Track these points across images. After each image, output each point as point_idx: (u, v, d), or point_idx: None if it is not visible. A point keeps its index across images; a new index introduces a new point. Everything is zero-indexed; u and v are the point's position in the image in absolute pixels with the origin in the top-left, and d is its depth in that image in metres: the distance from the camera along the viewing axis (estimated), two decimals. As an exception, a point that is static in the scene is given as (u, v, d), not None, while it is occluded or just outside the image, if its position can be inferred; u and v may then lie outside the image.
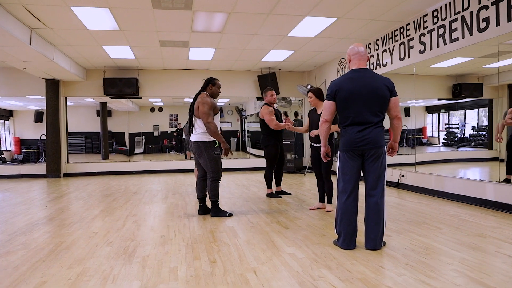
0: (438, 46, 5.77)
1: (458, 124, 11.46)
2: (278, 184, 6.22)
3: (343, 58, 8.93)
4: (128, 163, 10.54)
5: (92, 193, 6.70)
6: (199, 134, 4.45)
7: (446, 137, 11.78)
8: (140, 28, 6.58)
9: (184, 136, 15.00)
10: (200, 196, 4.66)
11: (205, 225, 4.13)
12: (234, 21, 6.29)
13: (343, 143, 3.24)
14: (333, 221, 4.18)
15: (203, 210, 4.65)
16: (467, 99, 9.63)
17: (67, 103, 10.09)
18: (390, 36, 6.98)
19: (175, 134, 17.85)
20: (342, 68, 9.01)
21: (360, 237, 3.30)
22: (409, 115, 11.95)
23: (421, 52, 6.16)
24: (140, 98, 10.58)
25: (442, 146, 11.43)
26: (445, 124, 12.19)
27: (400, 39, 6.69)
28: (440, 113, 12.25)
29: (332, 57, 9.26)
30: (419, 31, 6.18)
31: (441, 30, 5.68)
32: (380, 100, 3.16)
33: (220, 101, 16.09)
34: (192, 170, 10.46)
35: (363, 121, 3.16)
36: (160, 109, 18.65)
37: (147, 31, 6.79)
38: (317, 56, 9.11)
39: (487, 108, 10.75)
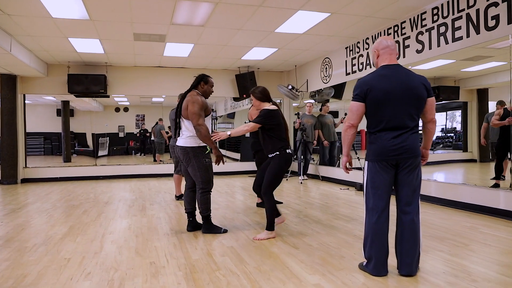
0: (438, 45, 5.45)
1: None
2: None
3: (327, 58, 8.54)
4: (95, 167, 9.66)
5: (56, 203, 5.89)
6: (187, 138, 3.84)
7: None
8: (114, 18, 5.86)
9: (152, 138, 14.22)
10: (189, 209, 4.04)
11: (199, 245, 3.53)
12: (220, 12, 5.71)
13: (374, 152, 2.75)
14: (345, 237, 3.70)
15: (192, 226, 4.04)
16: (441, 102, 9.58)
17: (25, 101, 9.10)
18: (383, 35, 6.62)
19: (137, 135, 16.83)
20: (326, 68, 8.62)
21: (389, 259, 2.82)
22: None
23: (418, 51, 5.83)
24: (108, 96, 9.75)
25: None
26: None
27: (394, 38, 6.34)
28: None
29: (315, 56, 8.85)
30: (416, 29, 5.85)
31: (443, 29, 5.36)
32: (417, 101, 2.71)
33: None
34: (166, 175, 9.73)
35: (399, 126, 2.69)
36: (126, 109, 17.64)
37: (121, 22, 6.07)
38: (299, 55, 8.67)
39: (459, 111, 10.83)
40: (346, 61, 7.80)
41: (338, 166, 8.56)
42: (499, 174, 5.94)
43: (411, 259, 2.71)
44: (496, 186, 5.58)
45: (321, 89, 9.18)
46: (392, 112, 2.68)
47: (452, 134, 10.53)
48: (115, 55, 8.37)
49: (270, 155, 3.79)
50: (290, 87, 9.48)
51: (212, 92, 4.08)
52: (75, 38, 6.90)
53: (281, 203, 5.66)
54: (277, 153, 3.69)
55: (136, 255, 3.23)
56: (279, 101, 11.21)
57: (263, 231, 3.79)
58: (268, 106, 3.81)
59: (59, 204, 5.80)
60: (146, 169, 9.97)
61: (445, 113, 10.97)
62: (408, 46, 6.05)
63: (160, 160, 12.52)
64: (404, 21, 6.09)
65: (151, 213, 5.04)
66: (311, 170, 9.18)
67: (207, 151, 3.85)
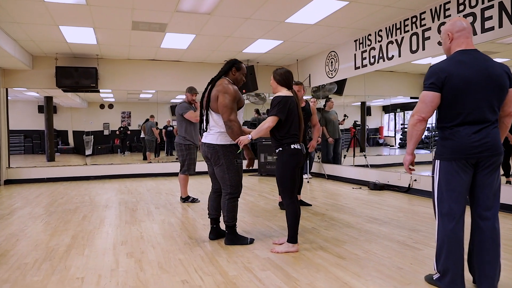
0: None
1: None
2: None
3: (333, 51, 8.16)
4: (85, 167, 9.04)
5: (49, 208, 5.33)
6: (216, 134, 3.35)
7: (402, 137, 11.58)
8: (113, 3, 5.33)
9: (142, 135, 13.60)
10: (213, 215, 3.58)
11: (231, 258, 3.08)
12: (231, -1, 5.25)
13: (450, 149, 2.36)
14: (388, 243, 3.31)
15: (215, 234, 3.58)
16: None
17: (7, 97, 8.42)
18: (398, 27, 6.28)
19: (117, 132, 16.03)
20: (331, 62, 8.25)
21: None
22: (370, 114, 11.64)
23: (441, 43, 5.48)
24: (99, 91, 9.14)
25: (398, 148, 11.23)
26: (401, 124, 12.00)
27: (412, 29, 6.00)
28: (396, 113, 12.06)
29: (320, 50, 8.47)
30: (438, 20, 5.52)
31: (469, 19, 5.03)
32: (500, 92, 2.33)
33: (179, 98, 14.79)
34: (161, 175, 9.20)
35: (480, 119, 2.30)
36: (111, 106, 16.92)
37: (120, 8, 5.54)
38: (304, 49, 8.27)
39: None
40: (355, 54, 7.44)
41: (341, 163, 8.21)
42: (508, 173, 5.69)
43: (493, 271, 2.33)
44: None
45: (323, 84, 8.82)
46: (473, 104, 2.30)
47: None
48: (108, 47, 7.79)
49: (276, 152, 3.32)
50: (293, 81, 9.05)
51: (244, 81, 3.61)
52: (67, 26, 6.31)
53: (310, 205, 5.24)
54: (280, 149, 3.21)
55: (161, 272, 2.76)
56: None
57: (283, 242, 3.33)
58: (284, 92, 3.23)
59: (53, 209, 5.23)
60: (139, 168, 9.41)
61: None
62: (428, 38, 5.71)
63: (150, 161, 11.89)
64: (424, 12, 5.75)
65: (160, 218, 4.55)
66: (314, 168, 8.81)
67: (239, 151, 3.39)
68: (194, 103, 5.66)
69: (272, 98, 3.39)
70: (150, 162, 11.38)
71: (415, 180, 6.08)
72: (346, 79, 8.16)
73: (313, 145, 5.14)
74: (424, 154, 9.10)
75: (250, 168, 3.44)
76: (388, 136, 12.21)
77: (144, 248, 3.35)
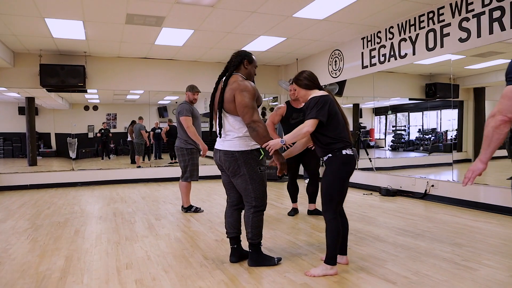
0: (491, 33, 4.77)
1: (405, 126, 11.15)
2: (310, 200, 4.90)
3: (337, 50, 7.77)
4: (72, 172, 8.41)
5: (35, 220, 4.74)
6: (234, 140, 2.87)
7: (394, 139, 11.32)
8: (108, -9, 4.80)
9: (129, 139, 12.96)
10: (233, 234, 3.07)
11: (261, 283, 2.60)
12: (240, -12, 4.78)
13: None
14: (436, 261, 2.89)
15: (238, 256, 3.08)
16: (411, 101, 9.15)
17: (-13, 96, 7.75)
18: (412, 23, 5.92)
19: (98, 135, 15.12)
20: (335, 61, 7.85)
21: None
22: (361, 116, 11.35)
23: (462, 40, 5.14)
24: (86, 91, 8.53)
25: (389, 150, 10.98)
26: (393, 127, 11.76)
27: (429, 26, 5.64)
28: (388, 115, 11.81)
29: (323, 48, 8.06)
30: (460, 15, 5.16)
31: (497, 13, 4.68)
32: None
33: (167, 99, 14.27)
34: (154, 180, 8.64)
35: None
36: (95, 107, 16.19)
37: (115, -2, 5.01)
38: (306, 47, 7.86)
39: (436, 111, 10.52)
40: (362, 53, 7.05)
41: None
42: None
43: None
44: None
45: (325, 85, 8.41)
46: None
47: (431, 136, 10.18)
48: (98, 43, 7.21)
49: (323, 160, 2.86)
50: (291, 81, 8.63)
51: (255, 75, 3.12)
52: (53, 18, 5.73)
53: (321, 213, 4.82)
54: (330, 155, 2.73)
55: (182, 306, 2.26)
56: (273, 98, 10.35)
57: (319, 264, 2.89)
58: (318, 93, 2.83)
59: (40, 222, 4.65)
60: (129, 173, 8.82)
61: (421, 113, 10.61)
62: (447, 34, 5.35)
63: (139, 166, 11.24)
64: (442, 7, 5.39)
65: (164, 233, 4.03)
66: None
67: (262, 156, 2.92)
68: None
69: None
70: (140, 166, 10.77)
71: (433, 185, 5.70)
72: (345, 80, 7.80)
73: None
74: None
75: (285, 174, 2.97)
76: (379, 139, 11.97)
77: (155, 273, 2.84)
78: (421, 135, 10.57)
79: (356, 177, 7.34)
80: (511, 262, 2.93)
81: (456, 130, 9.84)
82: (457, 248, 3.30)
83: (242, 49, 7.73)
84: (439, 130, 10.52)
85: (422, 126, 10.74)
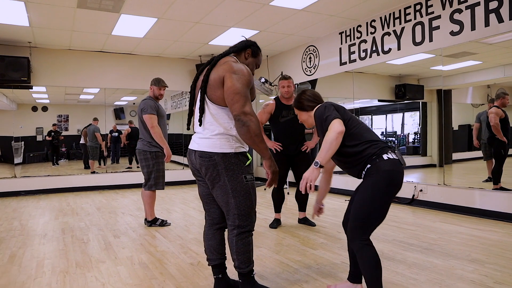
0: (487, 25, 4.41)
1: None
2: (300, 208, 4.33)
3: (312, 46, 7.28)
4: (14, 180, 7.36)
5: (-40, 241, 3.83)
6: (214, 137, 2.19)
7: None
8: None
9: (82, 141, 11.89)
10: (215, 261, 2.40)
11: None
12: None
13: None
14: (458, 284, 2.38)
15: (224, 287, 2.41)
16: (379, 103, 8.96)
17: None
18: (397, 16, 5.51)
19: (47, 138, 13.71)
20: (310, 58, 7.36)
21: None
22: None
23: (454, 33, 4.77)
24: (32, 87, 7.51)
25: None
26: None
27: (416, 19, 5.25)
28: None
29: (296, 44, 7.56)
30: (451, 7, 4.79)
31: (494, 4, 4.33)
32: None
33: (124, 100, 13.20)
34: (111, 187, 7.76)
35: None
36: (45, 108, 14.83)
37: (64, -28, 4.21)
38: (279, 42, 7.31)
39: (400, 114, 10.44)
40: (340, 48, 6.60)
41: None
42: (498, 179, 5.16)
43: None
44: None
45: (296, 83, 7.91)
46: None
47: (394, 139, 10.06)
48: (45, 31, 6.28)
49: (360, 176, 2.20)
50: (263, 80, 8.04)
51: (253, 74, 2.47)
52: (-12, -2, 4.82)
53: (314, 225, 4.25)
54: (369, 166, 2.09)
55: None
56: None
57: None
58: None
59: (-34, 243, 3.75)
60: (83, 180, 7.87)
61: (384, 115, 10.48)
62: (437, 27, 4.97)
63: (94, 171, 10.21)
64: (430, -2, 5.02)
65: (125, 255, 3.29)
66: (289, 177, 7.84)
67: (249, 161, 2.27)
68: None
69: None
70: (94, 172, 9.77)
71: (421, 190, 5.30)
72: (317, 79, 7.34)
73: (310, 145, 4.17)
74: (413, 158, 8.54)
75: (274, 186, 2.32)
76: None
77: (116, 317, 2.12)
78: (384, 138, 10.37)
79: (336, 181, 6.85)
80: (550, 283, 2.47)
81: (415, 133, 9.71)
82: (479, 266, 2.82)
83: (210, 43, 7.15)
84: (399, 133, 10.37)
85: (386, 129, 10.55)
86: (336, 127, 2.03)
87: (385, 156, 2.06)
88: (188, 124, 2.44)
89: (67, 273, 2.85)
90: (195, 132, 2.33)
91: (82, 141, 11.92)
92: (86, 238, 3.87)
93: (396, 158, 2.08)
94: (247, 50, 2.36)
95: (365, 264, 2.04)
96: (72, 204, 6.03)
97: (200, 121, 2.25)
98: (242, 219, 2.23)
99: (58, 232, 4.18)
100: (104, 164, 11.52)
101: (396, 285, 2.50)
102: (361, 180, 2.17)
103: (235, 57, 2.31)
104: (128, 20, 5.80)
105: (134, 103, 14.74)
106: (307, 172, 2.07)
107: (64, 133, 14.32)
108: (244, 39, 2.44)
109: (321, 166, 2.03)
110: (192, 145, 2.29)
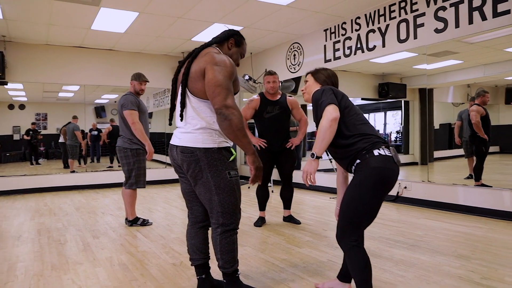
0: (471, 23, 4.42)
1: None
2: (285, 206, 4.25)
3: (296, 43, 7.23)
4: (-14, 180, 7.08)
5: None
6: (196, 132, 2.10)
7: None
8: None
9: (62, 140, 11.58)
10: (200, 260, 2.31)
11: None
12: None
13: None
14: (451, 281, 2.34)
15: (208, 287, 2.32)
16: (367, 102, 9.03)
17: None
18: (382, 13, 5.50)
19: (25, 137, 13.27)
20: (294, 55, 7.31)
21: None
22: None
23: (438, 30, 4.77)
24: (7, 83, 7.23)
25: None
26: None
27: (400, 16, 5.24)
28: None
29: (281, 41, 7.50)
30: (435, 4, 4.79)
31: (477, 2, 4.35)
32: None
33: (105, 98, 12.95)
34: (91, 186, 7.56)
35: None
36: (22, 106, 14.43)
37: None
38: (263, 39, 7.24)
39: (382, 113, 10.55)
40: (325, 45, 6.56)
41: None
42: (479, 176, 5.23)
43: None
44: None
45: (281, 81, 7.83)
46: None
47: None
48: (20, 25, 6.05)
49: (350, 170, 2.11)
50: (247, 77, 7.95)
51: (237, 65, 2.38)
52: (-41, -12, 4.60)
53: (299, 223, 4.18)
54: (358, 161, 2.00)
55: None
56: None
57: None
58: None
59: None
60: (61, 179, 7.63)
61: (367, 114, 10.56)
62: (422, 24, 4.97)
63: (73, 171, 9.94)
64: (415, -5, 5.02)
65: (104, 256, 3.15)
66: (274, 175, 7.77)
67: (233, 157, 2.18)
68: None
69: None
70: (74, 171, 9.51)
71: (405, 187, 5.29)
72: (300, 76, 7.31)
73: (295, 142, 4.09)
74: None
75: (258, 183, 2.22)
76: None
77: (92, 322, 2.01)
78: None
79: (319, 179, 6.81)
80: (537, 278, 2.46)
81: (397, 132, 9.78)
82: (466, 262, 2.80)
83: (193, 39, 7.02)
84: (382, 132, 10.44)
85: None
86: (330, 114, 1.94)
87: (376, 152, 1.95)
88: (170, 119, 2.34)
89: (42, 276, 2.71)
90: (177, 127, 2.23)
91: (61, 139, 11.61)
92: (64, 239, 3.72)
93: (389, 154, 1.97)
94: (230, 40, 2.27)
95: (353, 265, 1.96)
96: (50, 204, 5.83)
97: (182, 115, 2.16)
98: (226, 217, 2.14)
99: (34, 233, 4.00)
100: (85, 164, 11.26)
101: (385, 283, 2.45)
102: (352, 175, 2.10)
103: (217, 48, 2.22)
104: (108, 14, 5.64)
105: (115, 101, 14.46)
106: (305, 165, 1.99)
107: (42, 132, 13.94)
108: (226, 29, 2.35)
109: (318, 157, 1.95)
110: (174, 140, 2.19)
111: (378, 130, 10.11)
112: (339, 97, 2.08)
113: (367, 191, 1.92)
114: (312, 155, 1.97)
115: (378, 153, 1.95)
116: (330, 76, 2.29)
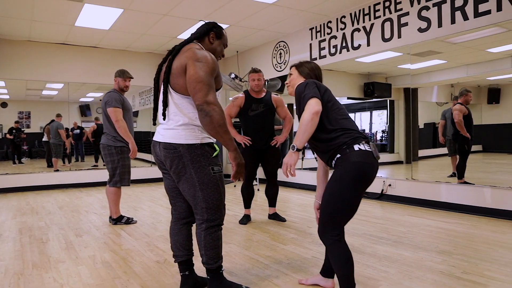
0: (453, 22, 4.49)
1: None
2: (270, 204, 4.26)
3: (282, 42, 7.25)
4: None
5: None
6: (178, 128, 2.09)
7: None
8: None
9: (45, 139, 11.40)
10: (184, 257, 2.29)
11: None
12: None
13: None
14: (433, 276, 2.37)
15: (191, 285, 2.30)
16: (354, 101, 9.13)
17: None
18: (367, 12, 5.55)
19: (8, 136, 13.02)
20: (280, 54, 7.32)
21: None
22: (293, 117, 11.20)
23: (422, 30, 4.84)
24: (-12, 81, 7.11)
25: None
26: None
27: (385, 15, 5.29)
28: None
29: (266, 40, 7.50)
30: (418, 4, 4.86)
31: (459, 2, 4.42)
32: None
33: (90, 96, 12.78)
34: (75, 185, 7.46)
35: None
36: (4, 104, 14.13)
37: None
38: (249, 37, 7.24)
39: (367, 113, 10.70)
40: (310, 44, 6.59)
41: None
42: (462, 174, 5.33)
43: None
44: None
45: (267, 80, 7.85)
46: None
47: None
48: (1, 20, 5.93)
49: (331, 165, 2.11)
50: (233, 75, 7.94)
51: (223, 56, 2.38)
52: None
53: (284, 220, 4.20)
54: (338, 156, 2.02)
55: None
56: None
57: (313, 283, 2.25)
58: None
59: None
60: (45, 178, 7.50)
61: (353, 114, 10.67)
62: (405, 24, 5.03)
63: (57, 170, 9.80)
64: (399, -6, 5.07)
65: (87, 255, 3.12)
66: (258, 173, 7.79)
67: (216, 152, 2.17)
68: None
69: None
70: (58, 170, 9.38)
71: (390, 184, 5.35)
72: (287, 75, 7.32)
73: (279, 140, 4.10)
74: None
75: (240, 180, 2.20)
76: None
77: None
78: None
79: (302, 177, 6.85)
80: (515, 272, 2.51)
81: (383, 131, 9.90)
82: (447, 257, 2.84)
83: (179, 36, 6.98)
84: (368, 131, 10.55)
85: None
86: (312, 107, 1.95)
87: (356, 147, 1.96)
88: (154, 119, 2.32)
89: (22, 275, 2.66)
90: (160, 124, 2.22)
91: (45, 138, 11.43)
92: (46, 238, 3.66)
93: (369, 150, 1.98)
94: (211, 34, 2.26)
95: (335, 260, 1.98)
96: (32, 203, 5.73)
97: (164, 114, 2.14)
98: (210, 213, 2.13)
99: (15, 232, 3.93)
100: (69, 162, 11.11)
101: (368, 278, 2.47)
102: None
103: (199, 44, 2.21)
104: (93, 10, 5.57)
105: (100, 100, 14.27)
106: (286, 157, 2.01)
107: (26, 130, 13.68)
108: (203, 22, 2.33)
109: (298, 150, 1.96)
110: (157, 137, 2.18)
111: (364, 130, 10.22)
112: (322, 90, 2.08)
113: (347, 186, 1.93)
114: (293, 147, 1.98)
115: (359, 148, 1.96)
116: (314, 69, 2.30)
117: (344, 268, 1.95)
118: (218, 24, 2.32)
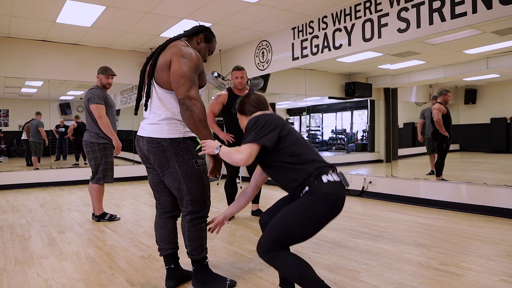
0: (431, 23, 4.63)
1: (319, 127, 11.40)
2: (253, 201, 4.31)
3: (265, 41, 7.31)
4: None
5: None
6: (162, 123, 2.13)
7: (308, 139, 11.45)
8: None
9: (24, 137, 11.19)
10: (169, 250, 2.32)
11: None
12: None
13: None
14: (406, 267, 2.47)
15: (176, 278, 2.33)
16: (335, 101, 9.28)
17: None
18: (348, 12, 5.65)
19: None
20: (263, 53, 7.38)
21: None
22: None
23: (401, 30, 4.96)
24: (-35, 77, 6.94)
25: None
26: (307, 127, 11.94)
27: (366, 16, 5.41)
28: (302, 116, 11.96)
29: (249, 39, 7.55)
30: (398, 5, 4.98)
31: (437, 4, 4.56)
32: None
33: (70, 94, 12.57)
34: (56, 183, 7.35)
35: None
36: (-19, 102, 13.81)
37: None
38: (232, 36, 7.27)
39: (349, 112, 10.89)
40: (293, 43, 6.67)
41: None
42: (440, 172, 5.50)
43: None
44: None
45: (249, 78, 7.91)
46: None
47: (343, 136, 10.44)
48: (-20, 16, 5.82)
49: (296, 196, 1.93)
50: (215, 74, 7.98)
51: (204, 61, 2.39)
52: None
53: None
54: (307, 189, 1.85)
55: None
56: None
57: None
58: (257, 114, 2.11)
59: None
60: (25, 176, 7.38)
61: (334, 113, 10.86)
62: (385, 24, 5.15)
63: (37, 168, 9.61)
64: (379, -4, 5.19)
65: (71, 250, 3.11)
66: (241, 171, 7.84)
67: (199, 146, 2.21)
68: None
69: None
70: (37, 168, 9.21)
71: (370, 182, 5.47)
72: (269, 74, 7.40)
73: None
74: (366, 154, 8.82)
75: (216, 176, 2.23)
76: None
77: (59, 313, 1.99)
78: (334, 136, 10.69)
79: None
80: (489, 263, 2.63)
81: (363, 131, 10.07)
82: (426, 250, 2.95)
83: (162, 34, 6.96)
84: (349, 131, 10.71)
85: (336, 127, 10.87)
86: (244, 156, 1.86)
87: (324, 179, 1.83)
88: (136, 109, 2.38)
89: (5, 270, 2.64)
90: (144, 118, 2.26)
91: (24, 137, 11.21)
92: (28, 235, 3.63)
93: (338, 180, 1.87)
94: (200, 35, 2.31)
95: (284, 269, 1.83)
96: (12, 201, 5.64)
97: (146, 105, 2.19)
98: (195, 205, 2.19)
99: None
100: (57, 159, 10.93)
101: (349, 270, 2.55)
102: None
103: (186, 41, 2.25)
104: (74, 6, 5.50)
105: (81, 98, 14.04)
106: (210, 141, 2.00)
107: (3, 129, 13.34)
108: (197, 24, 2.39)
109: (217, 153, 1.96)
110: (140, 132, 2.23)
111: (345, 129, 10.35)
112: (276, 127, 1.94)
113: (311, 217, 1.81)
114: (217, 149, 1.97)
115: (327, 179, 1.84)
116: (254, 103, 2.17)
117: (296, 271, 1.80)
118: (211, 30, 2.37)
